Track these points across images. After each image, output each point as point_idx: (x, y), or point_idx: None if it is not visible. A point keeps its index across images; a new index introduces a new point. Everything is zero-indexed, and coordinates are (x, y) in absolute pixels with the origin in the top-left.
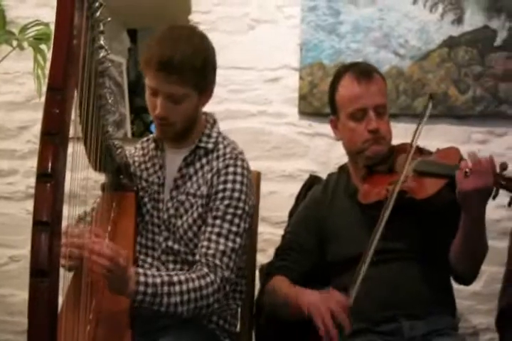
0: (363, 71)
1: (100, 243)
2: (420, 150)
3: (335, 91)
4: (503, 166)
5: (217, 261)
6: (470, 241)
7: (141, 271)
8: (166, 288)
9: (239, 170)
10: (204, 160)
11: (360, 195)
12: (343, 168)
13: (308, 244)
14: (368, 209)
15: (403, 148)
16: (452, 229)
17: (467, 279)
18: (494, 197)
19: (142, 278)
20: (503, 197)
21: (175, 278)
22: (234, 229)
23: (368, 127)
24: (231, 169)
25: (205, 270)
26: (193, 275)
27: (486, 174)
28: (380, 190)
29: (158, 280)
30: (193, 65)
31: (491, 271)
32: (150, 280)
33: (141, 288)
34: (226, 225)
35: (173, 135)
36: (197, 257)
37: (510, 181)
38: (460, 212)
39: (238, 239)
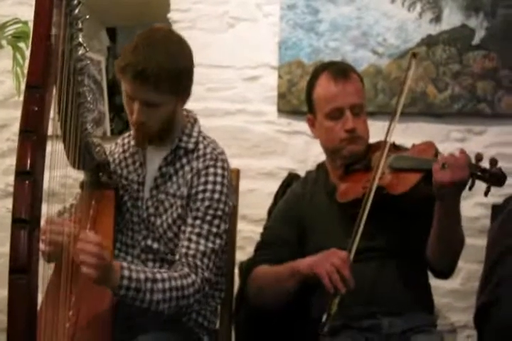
0: (340, 70)
1: (84, 232)
2: (396, 147)
3: (312, 91)
4: (479, 157)
5: (198, 262)
6: (446, 232)
7: (125, 264)
8: (149, 285)
9: (219, 171)
10: (184, 160)
11: (337, 193)
12: (321, 166)
13: (288, 237)
14: (346, 208)
15: (379, 145)
16: (428, 225)
17: (445, 273)
18: (470, 188)
19: (126, 273)
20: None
21: (158, 276)
22: (214, 230)
23: (345, 127)
24: (211, 170)
25: (187, 270)
26: (176, 275)
27: (463, 166)
28: (357, 188)
29: (142, 275)
30: (168, 72)
31: (468, 268)
32: (134, 275)
33: (125, 282)
34: (206, 226)
35: (151, 137)
36: (177, 257)
37: (485, 172)
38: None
39: (218, 240)
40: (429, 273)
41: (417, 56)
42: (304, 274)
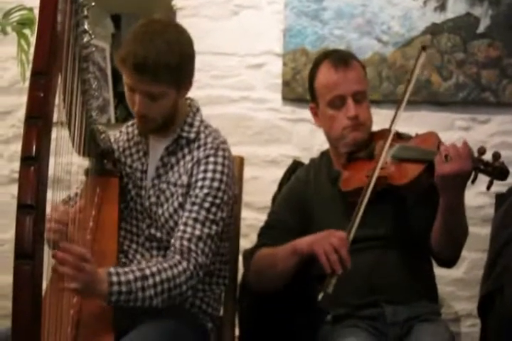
0: (341, 58)
1: (64, 249)
2: (399, 136)
3: (313, 79)
4: (481, 150)
5: (193, 246)
6: (450, 225)
7: (112, 270)
8: (139, 283)
9: (219, 159)
10: (186, 150)
11: (341, 181)
12: (325, 154)
13: (290, 222)
14: (349, 196)
15: (383, 133)
16: (432, 214)
17: (449, 262)
18: (473, 181)
19: (115, 278)
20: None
21: (147, 271)
22: (211, 216)
23: (347, 114)
24: (211, 159)
25: (178, 257)
26: (165, 265)
27: (465, 158)
28: (360, 177)
29: (130, 276)
30: (168, 63)
31: (472, 257)
32: (123, 278)
33: (115, 288)
34: (203, 212)
35: (154, 128)
36: (172, 241)
37: (488, 165)
38: (439, 197)
39: (214, 227)
40: (434, 262)
41: (426, 49)
42: (303, 252)
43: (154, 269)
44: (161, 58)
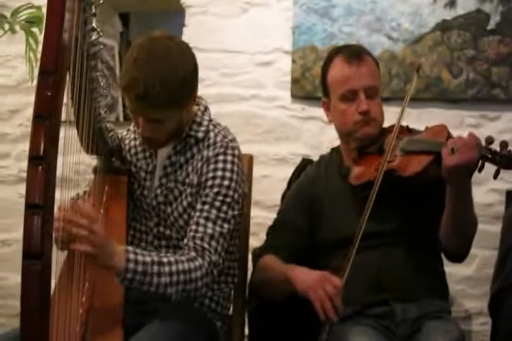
0: (354, 53)
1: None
2: (409, 130)
3: (326, 74)
4: (489, 140)
5: (206, 245)
6: (458, 216)
7: (130, 248)
8: (155, 268)
9: (229, 158)
10: (195, 149)
11: (351, 176)
12: (335, 149)
13: (299, 222)
14: (360, 190)
15: (393, 128)
16: (440, 207)
17: (459, 256)
18: (480, 170)
19: (132, 256)
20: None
21: (164, 259)
22: (222, 215)
23: (359, 109)
24: (221, 157)
25: (193, 254)
26: (183, 258)
27: (472, 147)
28: (370, 171)
29: (148, 258)
30: (170, 89)
31: (483, 255)
32: (140, 258)
33: (131, 266)
34: (214, 211)
35: (161, 145)
36: (185, 241)
37: (495, 154)
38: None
39: (226, 225)
40: (444, 260)
41: (420, 69)
42: (296, 291)
43: (172, 259)
44: (163, 85)
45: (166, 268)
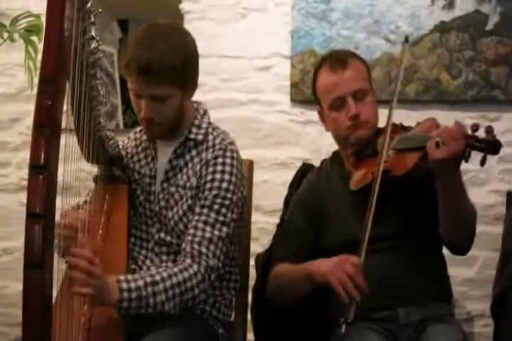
0: (338, 60)
1: (74, 254)
2: (404, 128)
3: (315, 85)
4: (474, 127)
5: (203, 249)
6: (453, 206)
7: (121, 278)
8: (150, 289)
9: (228, 160)
10: (194, 152)
11: (351, 181)
12: (336, 154)
13: (306, 229)
14: (359, 195)
15: (385, 128)
16: (437, 203)
17: (462, 247)
18: (466, 160)
19: (124, 285)
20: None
21: (157, 277)
22: (221, 218)
23: (348, 114)
24: (220, 160)
25: (188, 261)
26: (176, 270)
27: (457, 138)
28: (367, 174)
29: (140, 282)
30: (171, 64)
31: (485, 256)
32: (133, 285)
33: (125, 295)
34: (213, 214)
35: (161, 133)
36: (183, 245)
37: (481, 141)
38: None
39: (225, 229)
40: (448, 264)
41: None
42: (317, 281)
43: (164, 274)
44: (165, 60)
45: (160, 286)
